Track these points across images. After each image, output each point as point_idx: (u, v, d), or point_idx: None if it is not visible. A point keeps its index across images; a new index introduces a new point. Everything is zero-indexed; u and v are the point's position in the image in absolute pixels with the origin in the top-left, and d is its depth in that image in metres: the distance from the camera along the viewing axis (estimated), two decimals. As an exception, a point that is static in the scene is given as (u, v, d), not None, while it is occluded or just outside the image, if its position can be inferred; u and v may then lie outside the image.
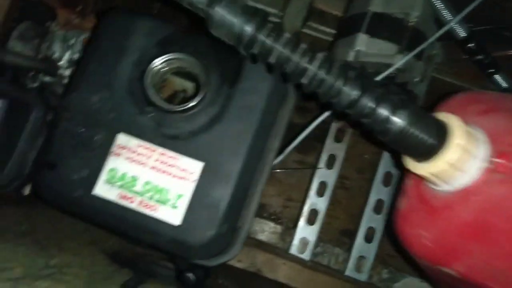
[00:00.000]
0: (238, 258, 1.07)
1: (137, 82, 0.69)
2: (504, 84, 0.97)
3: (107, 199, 0.67)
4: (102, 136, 0.68)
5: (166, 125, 0.69)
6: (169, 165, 0.68)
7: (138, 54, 0.70)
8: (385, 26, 0.88)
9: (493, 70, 0.96)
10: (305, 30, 1.15)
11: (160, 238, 0.67)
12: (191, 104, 0.68)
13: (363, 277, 1.06)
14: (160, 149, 0.68)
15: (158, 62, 0.69)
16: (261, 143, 0.70)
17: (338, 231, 1.14)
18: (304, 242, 1.08)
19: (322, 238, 1.10)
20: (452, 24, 0.86)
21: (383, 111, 0.54)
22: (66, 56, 0.88)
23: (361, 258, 1.07)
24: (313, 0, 1.12)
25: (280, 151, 0.85)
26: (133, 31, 0.71)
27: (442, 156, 0.54)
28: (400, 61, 0.83)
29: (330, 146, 1.11)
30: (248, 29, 0.51)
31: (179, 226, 0.67)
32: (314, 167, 1.11)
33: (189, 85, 0.76)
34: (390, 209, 1.05)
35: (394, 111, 0.54)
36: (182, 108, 0.68)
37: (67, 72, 0.88)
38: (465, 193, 0.55)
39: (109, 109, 0.69)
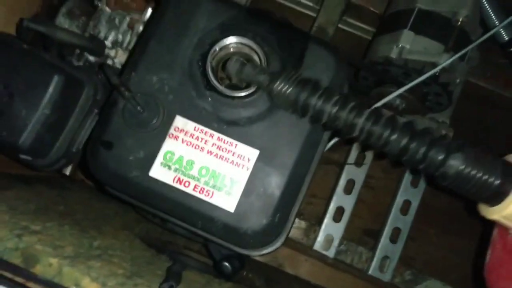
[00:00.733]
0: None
1: (197, 65, 0.69)
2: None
3: (162, 182, 0.67)
4: (160, 117, 0.67)
5: (225, 110, 0.68)
6: (226, 151, 0.68)
7: (199, 36, 0.70)
8: (431, 24, 0.88)
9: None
10: (341, 25, 1.16)
11: (214, 224, 0.67)
12: (251, 91, 0.67)
13: (386, 277, 1.07)
14: (218, 134, 0.68)
15: (219, 45, 0.69)
16: (316, 134, 0.70)
17: (361, 230, 1.15)
18: (328, 239, 1.09)
19: (345, 236, 1.10)
20: (499, 27, 0.87)
21: (437, 155, 0.54)
22: (111, 36, 0.88)
23: (385, 258, 1.08)
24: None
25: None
26: (195, 12, 0.70)
27: None
28: (447, 61, 0.83)
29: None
30: (302, 97, 0.60)
31: (232, 213, 0.66)
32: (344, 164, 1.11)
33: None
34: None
35: (448, 155, 0.54)
36: (242, 94, 0.68)
37: (112, 53, 0.87)
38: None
39: (168, 90, 0.68)
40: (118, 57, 0.87)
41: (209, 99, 0.68)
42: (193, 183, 0.67)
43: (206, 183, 0.67)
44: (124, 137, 0.68)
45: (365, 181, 1.12)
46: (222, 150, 0.68)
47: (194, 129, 0.68)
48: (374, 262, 1.07)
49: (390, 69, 0.92)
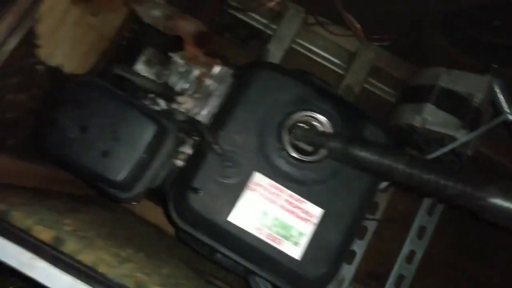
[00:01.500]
0: None
1: (274, 131, 0.80)
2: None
3: (240, 227, 0.78)
4: (242, 172, 0.79)
5: (296, 171, 0.80)
6: (295, 207, 0.79)
7: (277, 107, 0.82)
8: (451, 101, 1.03)
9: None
10: (365, 85, 1.30)
11: (281, 267, 0.78)
12: (319, 157, 0.80)
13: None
14: (288, 191, 0.80)
15: (294, 117, 0.81)
16: (370, 200, 0.83)
17: (366, 272, 1.27)
18: (339, 280, 1.21)
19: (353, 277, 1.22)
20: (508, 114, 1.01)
21: (469, 190, 0.63)
22: (179, 84, 0.98)
23: (388, 300, 1.20)
24: (375, 58, 1.28)
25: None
26: (275, 87, 0.83)
27: None
28: (467, 137, 0.98)
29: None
30: (385, 161, 0.70)
31: (299, 260, 0.78)
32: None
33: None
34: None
35: (481, 189, 0.62)
36: (312, 160, 0.80)
37: (179, 99, 0.98)
38: None
39: (250, 149, 0.80)
40: (184, 104, 0.97)
41: (284, 161, 0.80)
42: (266, 231, 0.78)
43: (277, 232, 0.78)
44: (210, 185, 0.79)
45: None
46: (292, 206, 0.80)
47: (269, 185, 0.80)
48: (378, 304, 1.20)
49: (412, 135, 1.07)
